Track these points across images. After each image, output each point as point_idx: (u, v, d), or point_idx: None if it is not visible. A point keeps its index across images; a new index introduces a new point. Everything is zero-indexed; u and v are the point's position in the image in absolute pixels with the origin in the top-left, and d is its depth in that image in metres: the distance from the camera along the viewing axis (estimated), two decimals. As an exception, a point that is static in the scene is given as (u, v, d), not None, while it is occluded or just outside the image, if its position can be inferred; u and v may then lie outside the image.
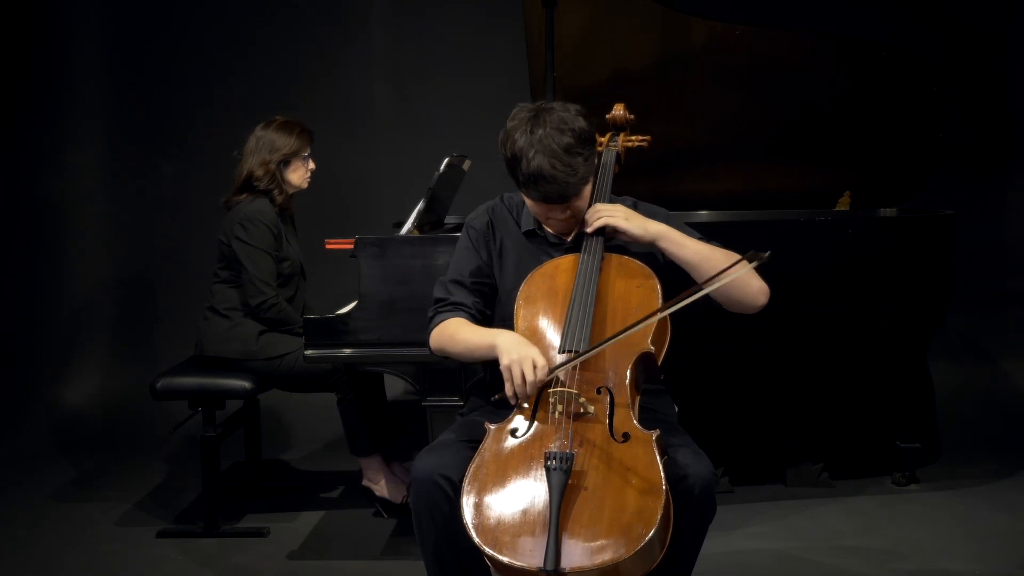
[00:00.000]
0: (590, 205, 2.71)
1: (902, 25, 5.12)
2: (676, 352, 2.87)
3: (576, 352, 2.46)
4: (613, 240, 2.71)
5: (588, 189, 2.67)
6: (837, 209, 4.47)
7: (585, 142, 2.58)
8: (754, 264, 2.37)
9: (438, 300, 2.75)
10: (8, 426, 5.10)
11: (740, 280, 2.58)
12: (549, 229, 2.77)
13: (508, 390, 2.44)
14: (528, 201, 2.68)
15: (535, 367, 2.42)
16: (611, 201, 2.77)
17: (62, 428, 5.22)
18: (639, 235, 2.65)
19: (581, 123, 2.59)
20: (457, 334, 2.64)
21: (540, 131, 2.55)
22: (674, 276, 2.69)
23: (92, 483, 4.63)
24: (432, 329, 2.72)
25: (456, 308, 2.71)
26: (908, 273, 4.05)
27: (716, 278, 2.43)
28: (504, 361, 2.46)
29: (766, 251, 2.33)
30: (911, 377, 4.32)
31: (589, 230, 2.66)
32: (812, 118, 4.36)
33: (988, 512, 3.99)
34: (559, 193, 2.57)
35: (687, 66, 4.27)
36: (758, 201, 4.45)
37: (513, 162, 2.59)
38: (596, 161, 2.67)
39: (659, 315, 2.46)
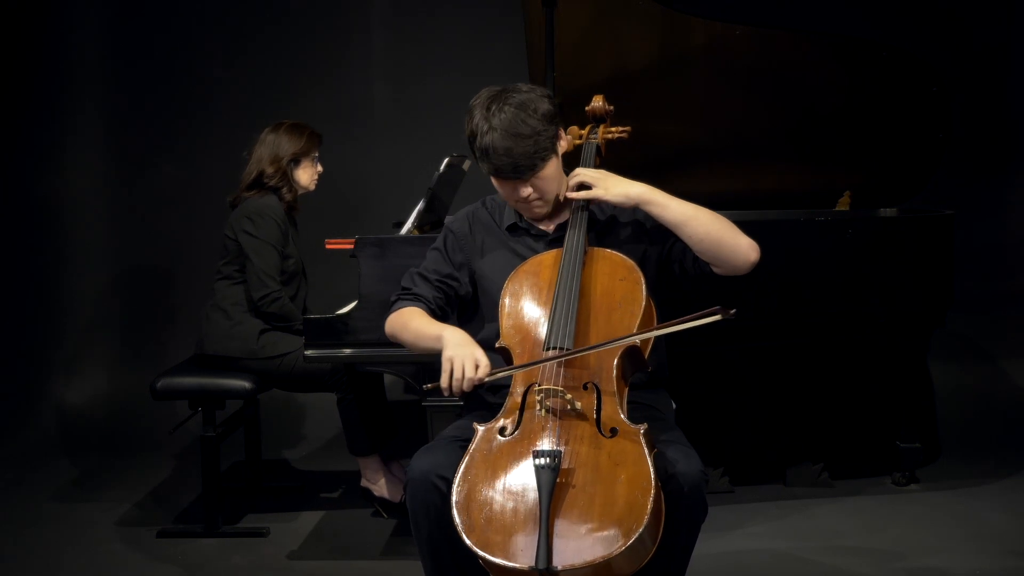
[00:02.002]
0: (562, 194, 2.74)
1: (902, 25, 5.12)
2: (676, 351, 2.87)
3: (561, 348, 2.47)
4: (598, 207, 2.76)
5: (551, 169, 2.66)
6: (837, 209, 4.46)
7: (543, 119, 2.60)
8: (718, 317, 2.37)
9: (403, 288, 2.81)
10: (9, 426, 5.11)
11: (727, 238, 2.64)
12: (523, 214, 2.78)
13: (443, 381, 2.47)
14: (493, 181, 2.71)
15: (477, 366, 2.46)
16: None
17: (63, 428, 5.22)
18: (621, 203, 2.68)
19: (543, 104, 2.62)
20: (410, 322, 2.69)
21: (494, 106, 2.60)
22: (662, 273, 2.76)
23: (92, 483, 4.63)
24: (390, 313, 2.77)
25: (416, 299, 2.76)
26: (908, 273, 4.05)
27: (685, 322, 2.44)
28: (447, 353, 2.50)
29: (732, 309, 2.36)
30: (911, 377, 4.32)
31: (571, 195, 2.71)
32: (812, 118, 4.36)
33: (988, 512, 3.99)
34: (511, 166, 2.59)
35: (687, 66, 4.27)
36: (758, 201, 4.44)
37: (471, 138, 2.64)
38: (559, 140, 2.68)
39: (632, 339, 2.48)
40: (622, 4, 4.13)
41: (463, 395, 2.52)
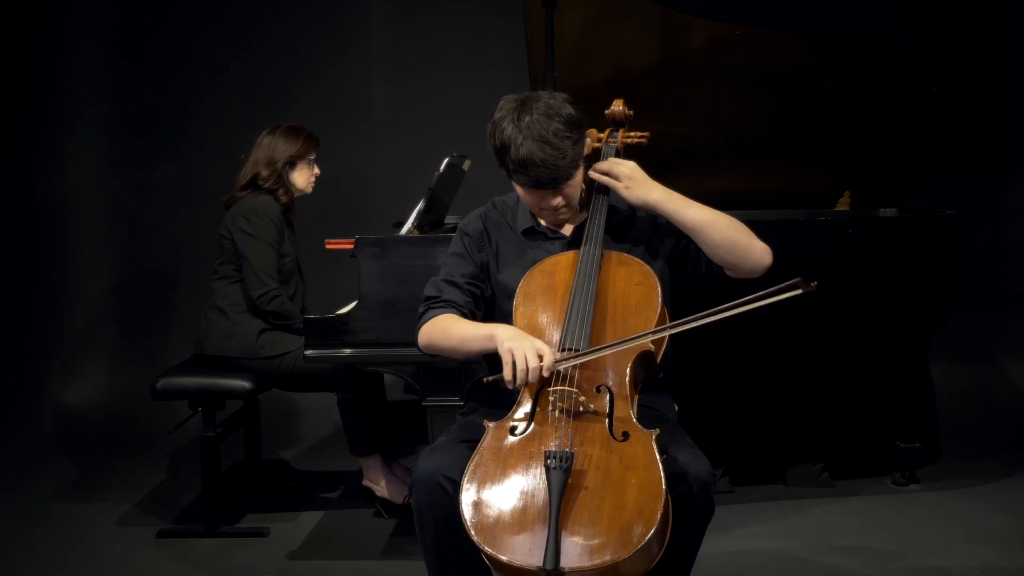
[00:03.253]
0: (583, 194, 2.75)
1: (902, 25, 5.12)
2: (677, 352, 2.87)
3: (576, 350, 2.47)
4: (617, 200, 2.76)
5: (580, 174, 2.68)
6: (837, 209, 4.47)
7: (573, 126, 2.60)
8: (799, 292, 2.31)
9: (429, 298, 2.74)
10: (9, 426, 5.10)
11: (742, 244, 2.65)
12: (543, 221, 2.78)
13: (507, 372, 2.41)
14: (520, 191, 2.69)
15: (540, 357, 2.41)
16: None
17: (63, 428, 5.22)
18: (638, 204, 2.69)
19: (568, 109, 2.60)
20: (451, 328, 2.64)
21: (527, 118, 2.57)
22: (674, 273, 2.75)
23: (92, 483, 4.63)
24: (422, 324, 2.70)
25: (448, 305, 2.70)
26: (908, 273, 4.05)
27: (743, 304, 2.37)
28: (506, 345, 2.44)
29: (814, 281, 2.31)
30: (911, 377, 4.32)
31: (592, 176, 2.71)
32: (812, 118, 4.36)
33: (988, 512, 3.99)
34: (550, 177, 2.59)
35: (687, 66, 4.27)
36: (758, 201, 4.45)
37: (502, 151, 2.60)
38: (585, 146, 2.68)
39: (662, 334, 2.48)
40: (622, 4, 4.13)
41: (467, 396, 2.51)
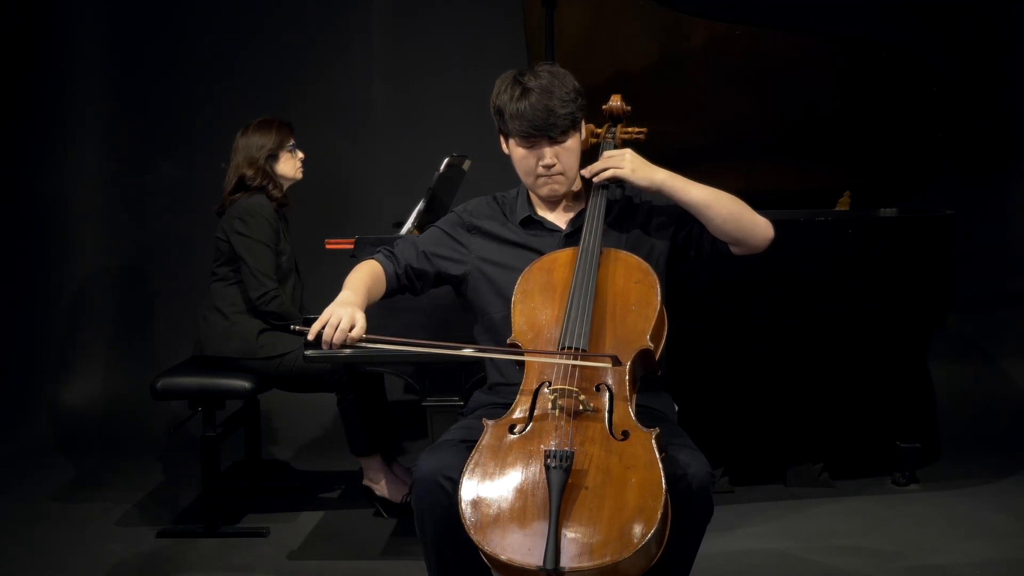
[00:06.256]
0: (580, 184, 2.77)
1: (902, 25, 5.12)
2: (676, 352, 2.88)
3: (576, 349, 2.46)
4: (611, 191, 2.77)
5: (576, 142, 2.70)
6: (837, 209, 4.47)
7: (575, 91, 2.66)
8: (608, 365, 2.44)
9: (391, 247, 2.84)
10: (8, 426, 5.10)
11: (746, 218, 2.70)
12: (539, 192, 2.77)
13: (316, 326, 2.50)
14: (517, 154, 2.71)
15: (352, 326, 2.49)
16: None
17: (62, 428, 5.22)
18: (645, 186, 2.70)
19: (572, 78, 2.69)
20: (358, 271, 2.74)
21: (528, 74, 2.67)
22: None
23: (92, 483, 4.63)
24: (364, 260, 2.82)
25: (390, 258, 2.80)
26: (908, 273, 4.05)
27: (561, 356, 2.47)
28: (329, 308, 2.53)
29: (622, 364, 2.44)
30: (911, 377, 4.32)
31: (596, 179, 2.71)
32: (812, 118, 4.36)
33: (988, 512, 3.99)
34: (546, 122, 2.62)
35: (687, 66, 4.27)
36: (758, 201, 4.42)
37: (501, 107, 2.67)
38: (583, 129, 2.72)
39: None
40: (622, 4, 4.13)
41: (467, 396, 2.51)
